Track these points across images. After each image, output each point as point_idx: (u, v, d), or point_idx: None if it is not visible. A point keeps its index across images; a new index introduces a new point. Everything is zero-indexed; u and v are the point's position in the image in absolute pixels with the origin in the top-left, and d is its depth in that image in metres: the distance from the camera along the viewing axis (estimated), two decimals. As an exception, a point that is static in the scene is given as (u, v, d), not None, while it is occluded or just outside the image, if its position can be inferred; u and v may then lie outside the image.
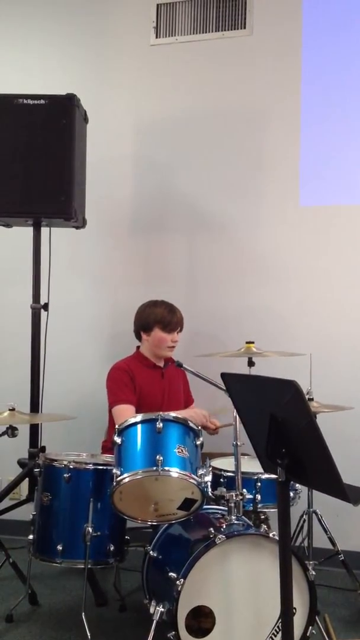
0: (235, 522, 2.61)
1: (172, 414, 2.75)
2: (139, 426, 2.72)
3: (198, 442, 2.73)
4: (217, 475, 2.94)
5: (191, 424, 2.74)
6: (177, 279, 4.03)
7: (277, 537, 2.32)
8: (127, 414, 3.14)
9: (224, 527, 2.55)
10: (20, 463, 3.48)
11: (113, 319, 4.08)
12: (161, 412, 2.72)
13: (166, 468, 2.57)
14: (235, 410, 2.57)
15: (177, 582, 2.37)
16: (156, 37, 4.11)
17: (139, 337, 3.50)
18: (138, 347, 3.53)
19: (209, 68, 4.03)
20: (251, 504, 2.90)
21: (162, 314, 3.40)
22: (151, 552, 2.75)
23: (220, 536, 2.42)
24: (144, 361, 3.46)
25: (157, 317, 3.39)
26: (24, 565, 3.08)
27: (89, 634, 2.68)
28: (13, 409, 2.94)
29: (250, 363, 3.18)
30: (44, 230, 3.58)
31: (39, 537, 2.87)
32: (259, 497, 2.90)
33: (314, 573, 2.50)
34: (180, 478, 2.59)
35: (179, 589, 2.36)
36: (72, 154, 3.37)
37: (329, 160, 3.84)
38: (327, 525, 3.20)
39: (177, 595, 2.36)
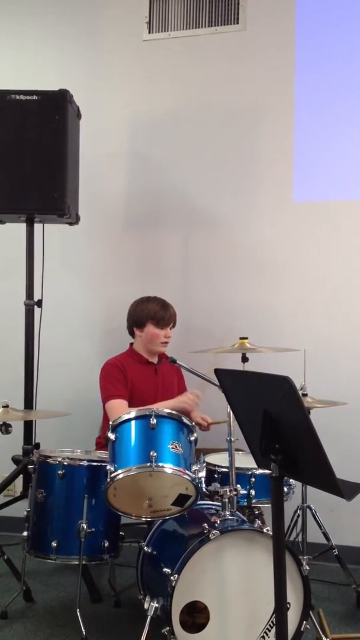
0: (230, 517, 2.61)
1: (166, 410, 2.75)
2: (133, 422, 2.72)
3: (192, 438, 2.73)
4: (211, 470, 2.94)
5: (185, 420, 2.74)
6: (171, 275, 4.03)
7: (271, 532, 2.33)
8: (120, 408, 3.15)
9: (218, 522, 2.55)
10: (15, 460, 3.48)
11: (107, 315, 4.07)
12: (155, 408, 2.72)
13: (160, 464, 2.57)
14: (229, 406, 2.58)
15: (172, 577, 2.38)
16: (149, 33, 4.10)
17: (132, 334, 3.51)
18: (131, 344, 3.53)
19: (202, 63, 4.02)
20: (245, 500, 2.90)
21: (155, 309, 3.40)
22: (145, 548, 2.75)
23: (214, 532, 2.43)
24: (137, 358, 3.46)
25: (149, 312, 3.40)
26: (18, 562, 3.07)
27: (83, 630, 2.69)
28: (7, 406, 2.93)
29: (244, 359, 3.18)
30: (37, 227, 3.57)
31: (33, 533, 2.87)
32: (253, 492, 2.90)
33: (308, 568, 2.50)
34: (174, 474, 2.59)
35: (174, 584, 2.37)
36: (65, 150, 3.36)
37: (323, 156, 3.84)
38: (321, 520, 3.21)
39: (171, 590, 2.37)
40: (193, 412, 3.30)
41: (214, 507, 2.82)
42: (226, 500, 2.66)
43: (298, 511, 3.23)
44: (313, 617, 2.63)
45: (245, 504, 2.91)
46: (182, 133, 4.04)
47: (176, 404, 3.19)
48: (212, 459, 3.06)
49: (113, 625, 2.93)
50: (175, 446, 2.63)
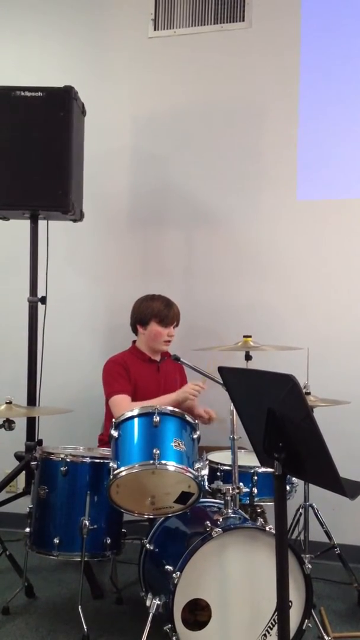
0: (232, 515, 2.62)
1: (169, 407, 2.75)
2: (136, 420, 2.72)
3: (195, 436, 2.73)
4: (213, 468, 2.94)
5: (188, 418, 2.74)
6: (175, 273, 4.03)
7: (273, 531, 2.33)
8: (124, 404, 3.15)
9: (221, 520, 2.55)
10: (17, 456, 3.48)
11: (110, 312, 4.07)
12: (158, 406, 2.72)
13: (163, 462, 2.57)
14: (232, 404, 2.58)
15: (174, 575, 2.38)
16: (154, 30, 4.09)
17: (135, 331, 3.51)
18: (134, 342, 3.53)
19: (207, 61, 4.01)
20: (248, 498, 2.90)
21: (159, 308, 3.40)
22: (148, 545, 2.76)
23: (216, 529, 2.43)
24: (140, 355, 3.46)
25: (153, 311, 3.40)
26: (20, 558, 3.08)
27: (85, 627, 2.69)
28: (10, 402, 2.93)
29: (248, 357, 3.17)
30: (42, 223, 3.57)
31: (35, 530, 2.87)
32: (255, 490, 2.90)
33: (310, 566, 2.50)
34: (177, 471, 2.59)
35: (176, 582, 2.37)
36: (69, 147, 3.35)
37: (327, 154, 3.83)
38: (323, 518, 3.21)
39: (173, 588, 2.37)
40: (195, 408, 3.30)
41: (216, 505, 2.82)
42: (228, 498, 2.66)
43: (300, 510, 3.22)
44: (315, 616, 2.64)
45: (248, 502, 2.91)
46: (186, 130, 4.04)
47: (179, 395, 3.18)
48: (214, 456, 3.06)
49: (115, 622, 2.93)
50: (178, 444, 2.64)
